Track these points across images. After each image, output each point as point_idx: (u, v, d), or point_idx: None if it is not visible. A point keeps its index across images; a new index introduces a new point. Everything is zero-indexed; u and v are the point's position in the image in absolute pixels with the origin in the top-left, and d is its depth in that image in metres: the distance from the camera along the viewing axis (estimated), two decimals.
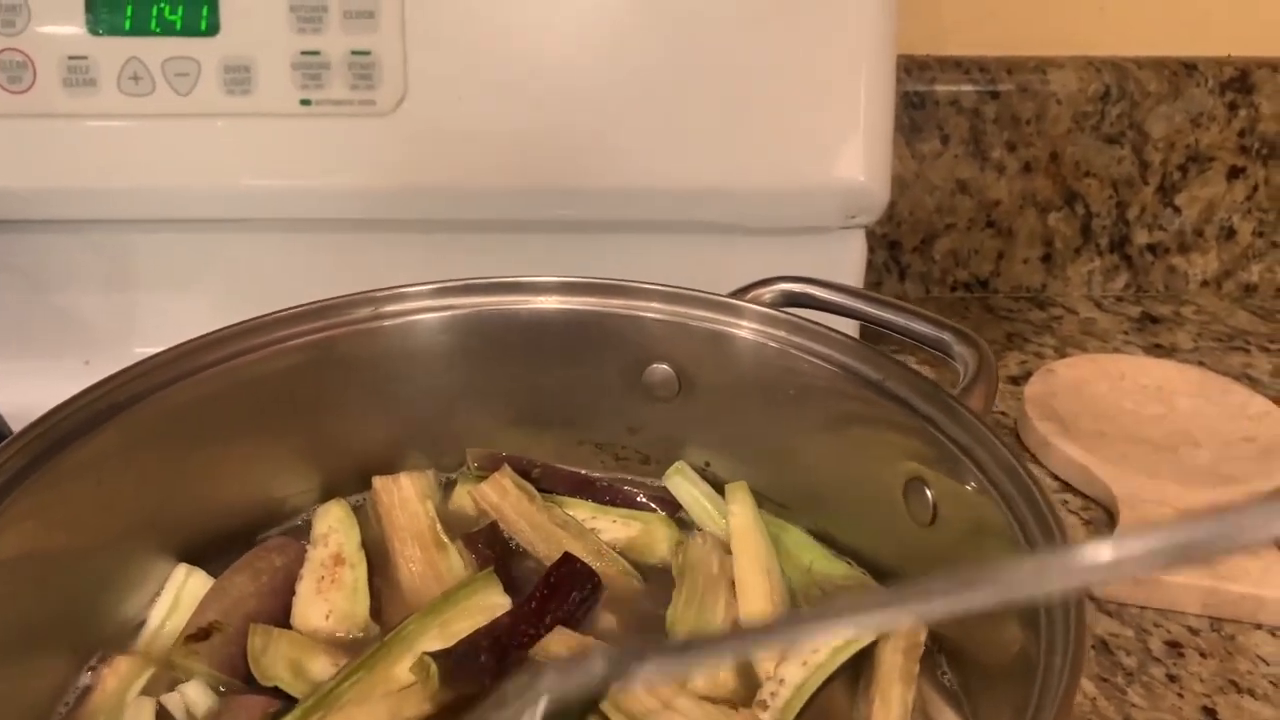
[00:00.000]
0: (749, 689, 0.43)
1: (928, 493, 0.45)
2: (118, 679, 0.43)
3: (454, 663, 0.41)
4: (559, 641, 0.44)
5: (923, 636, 0.45)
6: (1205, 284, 0.92)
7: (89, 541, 0.45)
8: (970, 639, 0.43)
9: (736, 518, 0.50)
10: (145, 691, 0.43)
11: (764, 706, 0.42)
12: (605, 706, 0.41)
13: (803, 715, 0.42)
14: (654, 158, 0.69)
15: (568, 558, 0.48)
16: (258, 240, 0.69)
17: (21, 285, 0.69)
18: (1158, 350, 0.83)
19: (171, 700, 0.43)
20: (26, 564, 0.41)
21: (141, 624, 0.47)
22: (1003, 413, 0.76)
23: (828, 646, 0.43)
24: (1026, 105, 0.85)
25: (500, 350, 0.52)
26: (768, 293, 0.52)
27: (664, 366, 0.52)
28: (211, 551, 0.49)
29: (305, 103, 0.66)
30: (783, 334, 0.49)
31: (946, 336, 0.48)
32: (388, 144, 0.67)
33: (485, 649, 0.42)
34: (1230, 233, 0.91)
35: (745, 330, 0.50)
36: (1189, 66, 0.85)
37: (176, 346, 0.46)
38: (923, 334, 0.48)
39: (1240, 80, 0.85)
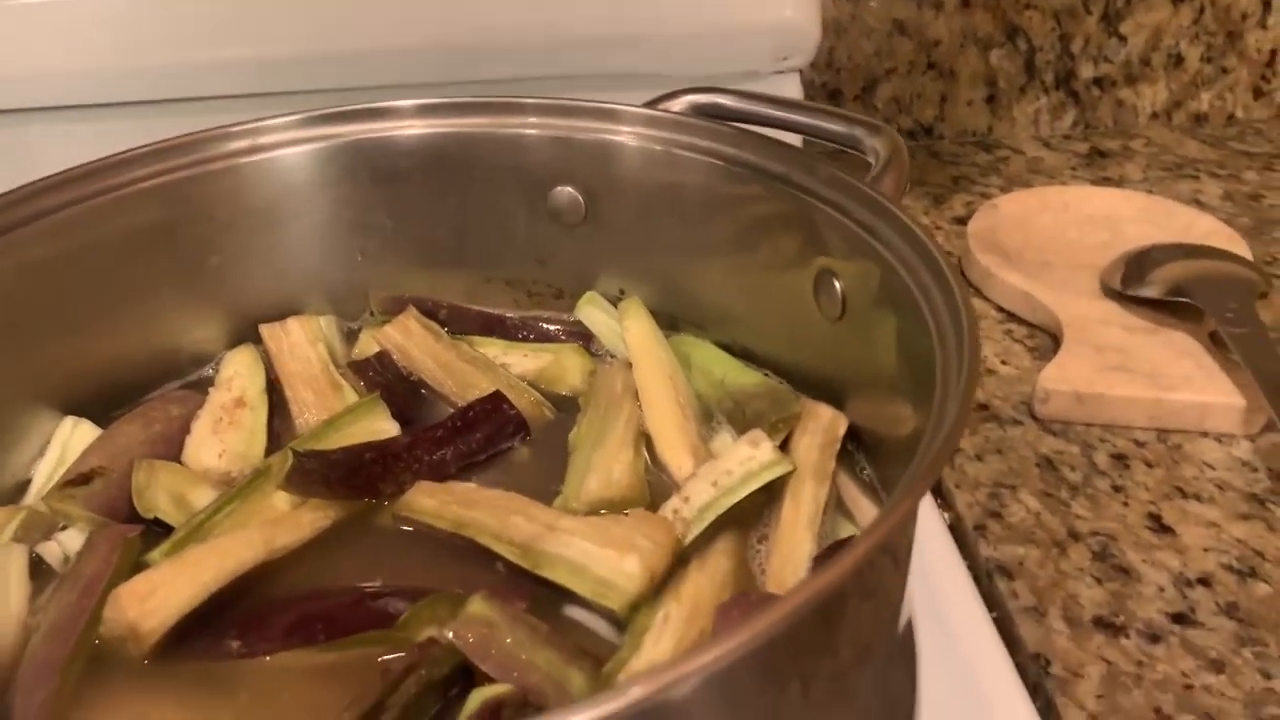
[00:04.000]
0: (649, 491, 0.42)
1: (836, 285, 0.43)
2: None
3: (314, 464, 0.40)
4: (423, 493, 0.42)
5: (841, 431, 0.43)
6: (1155, 116, 0.90)
7: None
8: (884, 431, 0.42)
9: (631, 331, 0.49)
10: (23, 542, 0.41)
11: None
12: (487, 539, 0.39)
13: None
14: (574, 5, 0.66)
15: (497, 396, 0.47)
16: (102, 127, 0.65)
17: None
18: (1106, 183, 0.82)
19: (48, 550, 0.41)
20: None
21: (29, 482, 0.46)
22: (948, 252, 0.74)
23: (742, 469, 0.41)
24: None
25: (386, 182, 0.50)
26: (674, 104, 0.49)
27: (568, 189, 0.50)
28: (106, 407, 0.48)
29: None
30: (665, 134, 0.46)
31: (857, 131, 0.45)
32: (270, 8, 0.63)
33: (367, 463, 0.40)
34: (1178, 60, 0.88)
35: (628, 136, 0.48)
36: None
37: (15, 190, 0.43)
38: (833, 131, 0.46)
39: None
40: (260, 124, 0.48)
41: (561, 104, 0.48)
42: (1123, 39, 0.86)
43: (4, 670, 0.36)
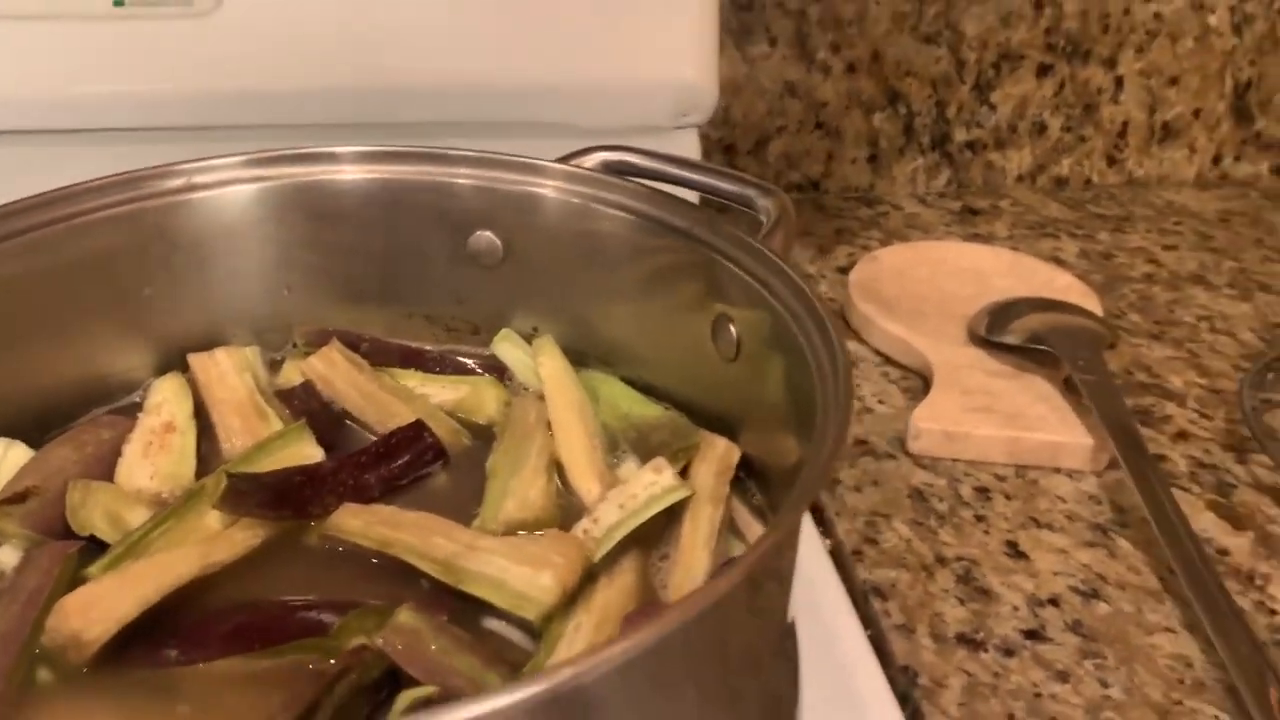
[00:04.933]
0: (561, 513, 0.46)
1: (732, 329, 0.47)
2: None
3: (246, 485, 0.42)
4: (349, 514, 0.44)
5: (734, 461, 0.48)
6: (1020, 179, 0.98)
7: None
8: (772, 461, 0.46)
9: (545, 367, 0.52)
10: None
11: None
12: (411, 557, 0.42)
13: None
14: (483, 56, 0.70)
15: (418, 425, 0.49)
16: (66, 152, 0.67)
17: None
18: (976, 239, 0.88)
19: None
20: None
21: None
22: (831, 299, 0.80)
23: (646, 493, 0.45)
24: (848, 6, 0.88)
25: (317, 222, 0.53)
26: (587, 160, 0.54)
27: (487, 233, 0.54)
28: (36, 429, 0.49)
29: (119, 3, 0.65)
30: (585, 189, 0.51)
31: (750, 192, 0.50)
32: (206, 46, 0.66)
33: (296, 485, 0.43)
34: (1042, 128, 0.96)
35: (549, 189, 0.52)
36: None
37: None
38: (728, 191, 0.51)
39: None
40: (200, 163, 0.50)
41: (489, 157, 0.52)
42: (993, 107, 0.94)
43: None
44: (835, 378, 0.36)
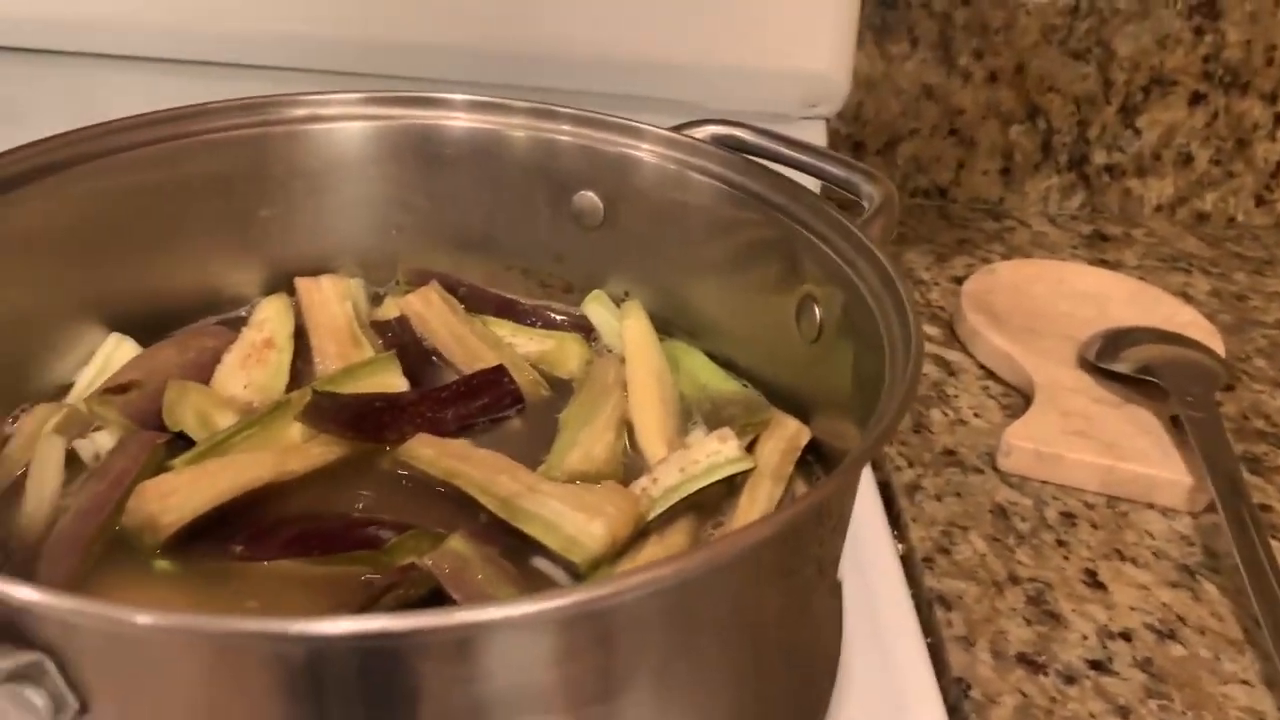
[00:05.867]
0: (624, 471, 0.47)
1: (816, 310, 0.47)
2: (35, 422, 0.46)
3: (329, 403, 0.44)
4: (422, 443, 0.46)
5: (803, 442, 0.48)
6: (1159, 209, 0.94)
7: (18, 304, 0.47)
8: (842, 448, 0.46)
9: (630, 330, 0.53)
10: (62, 435, 0.46)
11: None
12: (474, 490, 0.43)
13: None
14: (619, 28, 0.71)
15: (500, 370, 0.51)
16: (157, 81, 0.70)
17: None
18: (1103, 264, 0.85)
19: (83, 445, 0.45)
20: None
21: (70, 385, 0.50)
22: (940, 307, 0.79)
23: (708, 460, 0.45)
24: (996, 13, 0.86)
25: (428, 166, 0.55)
26: (698, 131, 0.54)
27: (590, 194, 0.55)
28: (148, 330, 0.52)
29: None
30: (681, 155, 0.51)
31: (855, 177, 0.50)
32: None
33: (377, 410, 0.45)
34: (1188, 159, 0.92)
35: (646, 153, 0.52)
36: None
37: (104, 123, 0.48)
38: (834, 175, 0.51)
39: (1209, 5, 0.87)
40: (323, 96, 0.53)
41: (592, 116, 0.53)
42: (1138, 132, 0.91)
43: (34, 542, 0.41)
44: (905, 359, 0.36)
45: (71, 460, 0.45)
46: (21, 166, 0.45)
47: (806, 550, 0.34)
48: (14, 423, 0.47)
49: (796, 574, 0.35)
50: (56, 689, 0.27)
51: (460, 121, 0.54)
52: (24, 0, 0.67)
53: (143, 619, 0.25)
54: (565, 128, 0.53)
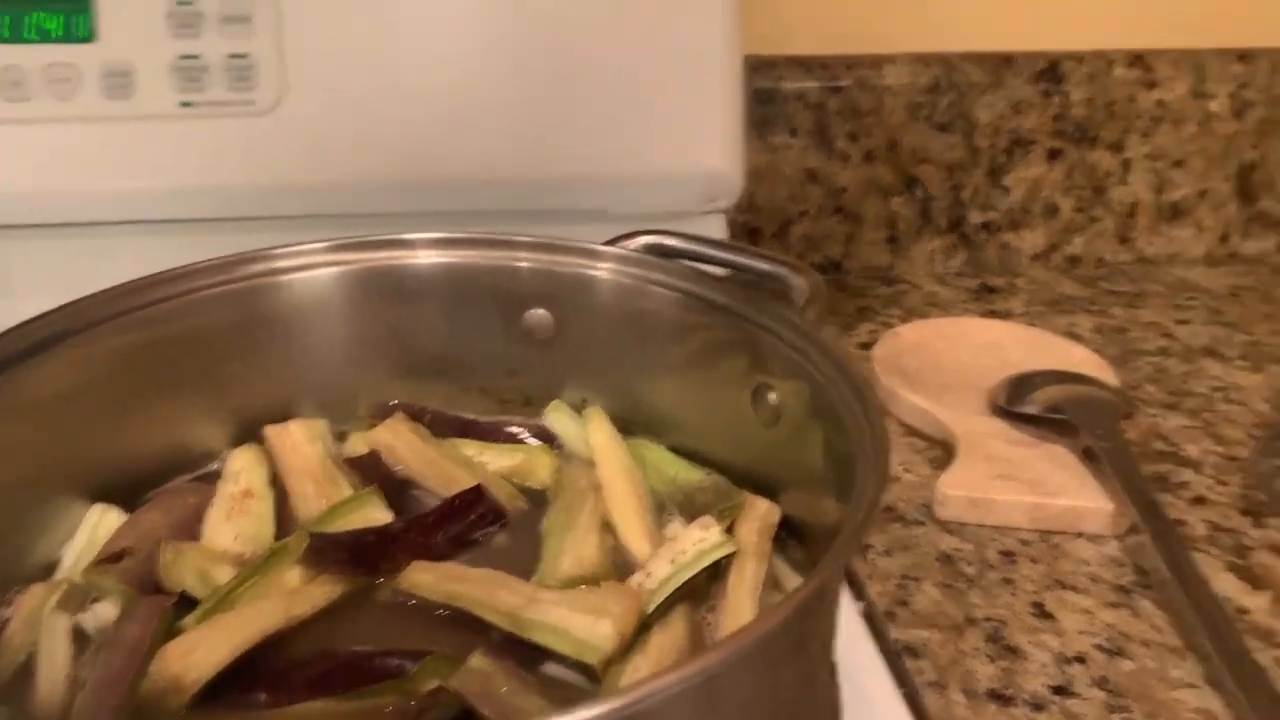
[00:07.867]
0: (617, 569, 0.49)
1: (771, 397, 0.51)
2: (33, 601, 0.46)
3: (325, 543, 0.46)
4: (419, 570, 0.48)
5: (775, 520, 0.51)
6: (1035, 258, 1.01)
7: (3, 480, 0.48)
8: (811, 520, 0.50)
9: (595, 435, 0.56)
10: (64, 611, 0.46)
11: None
12: (478, 609, 0.45)
13: None
14: (526, 150, 0.74)
15: (478, 489, 0.53)
16: (141, 243, 0.71)
17: None
18: (993, 315, 0.91)
19: (84, 619, 0.46)
20: None
21: (56, 563, 0.50)
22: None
23: (695, 549, 0.48)
24: (865, 98, 0.93)
25: (388, 302, 0.57)
26: (631, 243, 0.58)
27: (540, 310, 0.58)
28: (124, 495, 0.53)
29: (186, 104, 0.70)
30: (638, 271, 0.55)
31: (783, 271, 0.54)
32: (268, 142, 0.71)
33: (370, 544, 0.47)
34: (1054, 209, 1.00)
35: (604, 271, 0.56)
36: (1007, 59, 0.95)
37: (92, 295, 0.50)
38: (763, 270, 0.55)
39: (1051, 71, 0.95)
40: (292, 248, 0.55)
41: (550, 242, 0.57)
42: (1006, 190, 0.98)
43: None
44: (872, 444, 0.40)
45: (76, 635, 0.45)
46: (16, 346, 0.47)
47: (815, 627, 0.37)
48: (9, 606, 0.47)
49: (804, 652, 0.37)
50: None
51: (424, 259, 0.57)
52: None
53: None
54: (523, 254, 0.57)
